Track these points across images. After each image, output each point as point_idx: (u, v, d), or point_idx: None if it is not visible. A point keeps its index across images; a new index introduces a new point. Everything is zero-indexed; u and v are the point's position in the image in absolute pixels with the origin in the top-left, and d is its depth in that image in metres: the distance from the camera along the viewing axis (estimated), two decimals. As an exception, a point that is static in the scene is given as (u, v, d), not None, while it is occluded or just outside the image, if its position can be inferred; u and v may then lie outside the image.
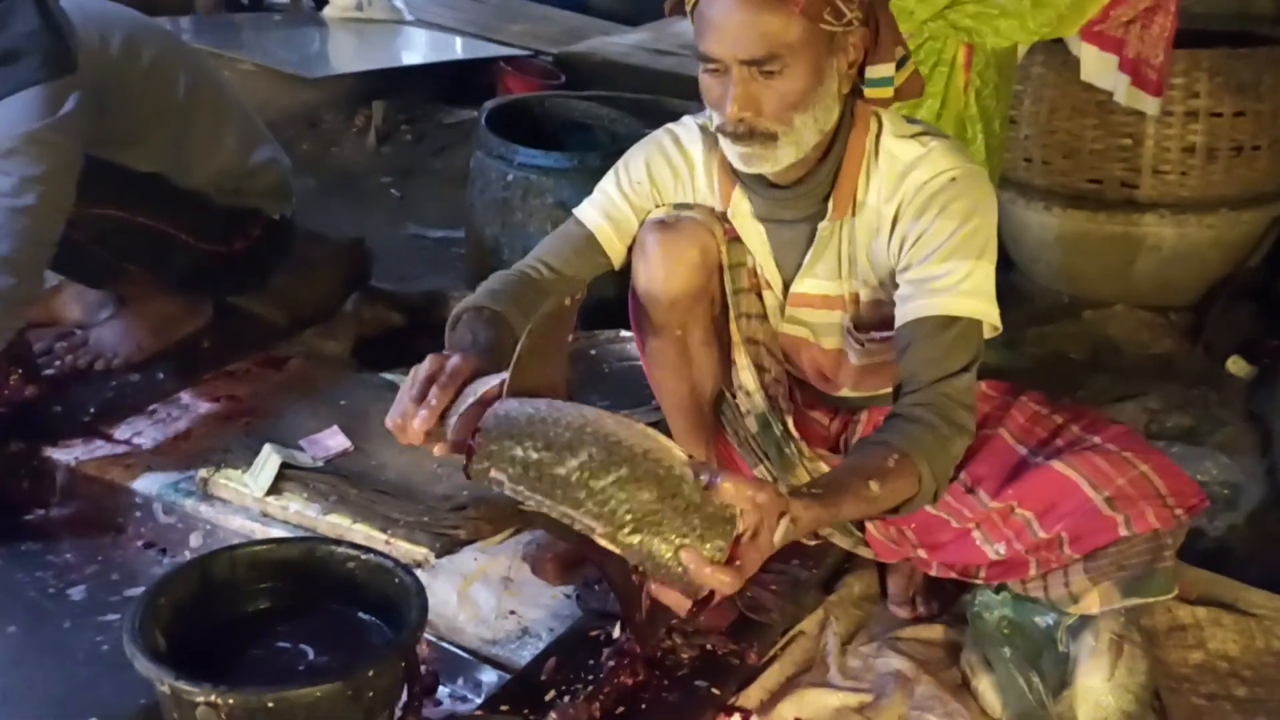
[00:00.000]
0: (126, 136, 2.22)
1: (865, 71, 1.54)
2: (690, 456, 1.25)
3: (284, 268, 2.54)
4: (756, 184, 1.61)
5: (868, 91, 1.54)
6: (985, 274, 1.52)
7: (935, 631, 1.82)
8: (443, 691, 1.73)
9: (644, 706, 1.63)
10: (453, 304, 2.70)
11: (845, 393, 1.80)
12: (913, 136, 1.57)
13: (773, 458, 1.77)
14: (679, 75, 3.89)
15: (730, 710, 1.64)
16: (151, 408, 2.32)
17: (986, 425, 1.71)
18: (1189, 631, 1.84)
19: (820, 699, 1.66)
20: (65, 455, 2.17)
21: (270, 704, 1.36)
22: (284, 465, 2.05)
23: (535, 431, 1.26)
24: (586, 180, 2.71)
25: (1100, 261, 3.08)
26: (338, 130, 4.22)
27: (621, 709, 1.63)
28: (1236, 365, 2.83)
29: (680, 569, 1.22)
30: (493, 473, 1.28)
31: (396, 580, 1.53)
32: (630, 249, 1.69)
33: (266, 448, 2.07)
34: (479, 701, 1.68)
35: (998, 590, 1.71)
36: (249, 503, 2.04)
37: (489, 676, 1.73)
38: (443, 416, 1.36)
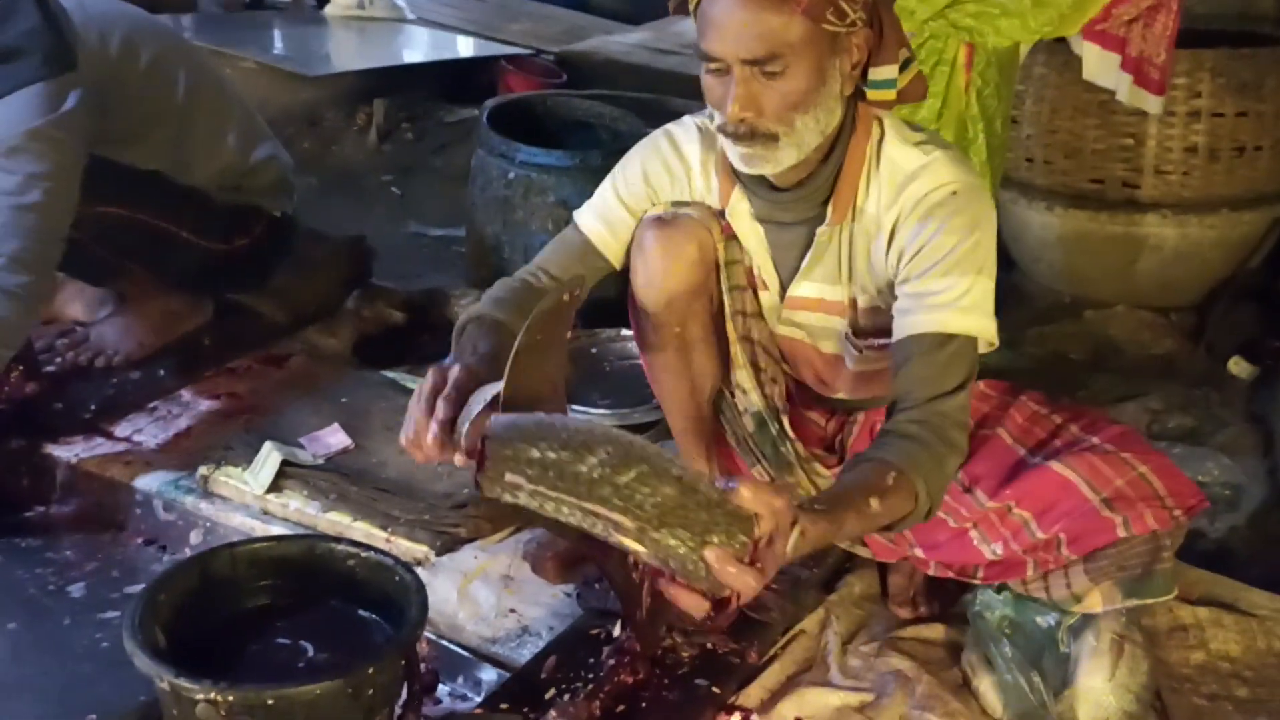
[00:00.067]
0: (127, 135, 2.22)
1: (868, 73, 1.53)
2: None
3: (285, 265, 2.54)
4: (756, 185, 1.61)
5: (870, 93, 1.54)
6: (984, 290, 1.51)
7: (936, 631, 1.82)
8: (442, 690, 1.73)
9: (644, 705, 1.63)
10: (453, 302, 2.74)
11: (842, 396, 1.80)
12: (915, 145, 1.56)
13: (769, 456, 1.77)
14: (681, 74, 3.89)
15: (730, 709, 1.64)
16: (152, 405, 2.32)
17: (985, 425, 1.71)
18: (1190, 632, 1.83)
19: (821, 698, 1.66)
20: (66, 452, 2.17)
21: (270, 701, 1.35)
22: (284, 463, 2.05)
23: (546, 434, 1.24)
24: (588, 178, 2.73)
25: (1102, 261, 3.08)
26: (338, 128, 4.22)
27: (622, 707, 1.62)
28: (1238, 366, 2.83)
29: (704, 568, 1.21)
30: (508, 476, 1.25)
31: (397, 578, 1.52)
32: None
33: (267, 445, 2.07)
34: (479, 700, 1.68)
35: (999, 590, 1.71)
36: (249, 500, 2.04)
37: (489, 675, 1.73)
38: (452, 427, 1.37)
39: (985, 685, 1.69)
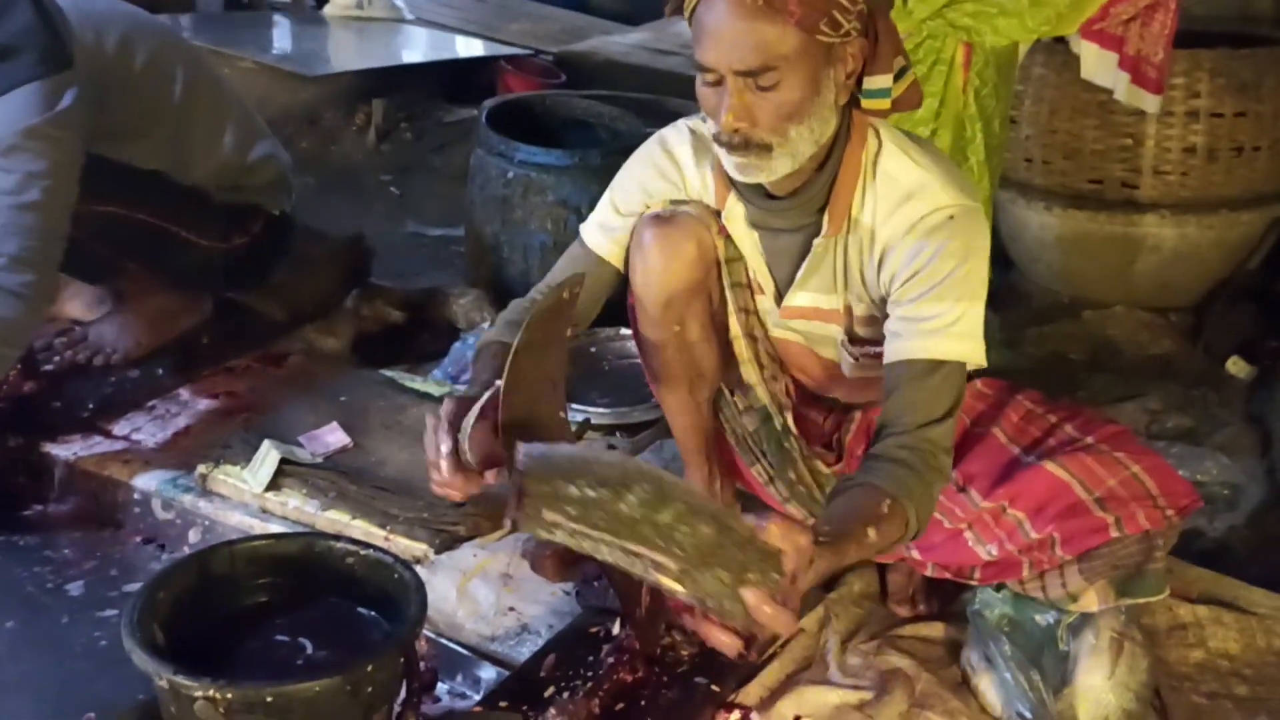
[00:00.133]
0: (125, 133, 2.22)
1: (863, 81, 1.52)
2: None
3: (284, 264, 2.54)
4: (752, 192, 1.60)
5: (865, 102, 1.53)
6: (976, 315, 1.53)
7: (935, 629, 1.81)
8: (441, 688, 1.72)
9: (643, 703, 1.63)
10: (452, 301, 2.75)
11: (838, 397, 1.80)
12: (914, 160, 1.55)
13: (771, 453, 1.77)
14: (680, 75, 3.89)
15: (730, 707, 1.64)
16: (150, 404, 2.32)
17: (980, 423, 1.71)
18: (1190, 630, 1.83)
19: (820, 696, 1.65)
20: (64, 451, 2.17)
21: (269, 698, 1.35)
22: (283, 461, 2.05)
23: (580, 469, 1.23)
24: (587, 178, 2.75)
25: (1100, 262, 3.08)
26: (337, 128, 4.22)
27: (621, 706, 1.62)
28: (1236, 366, 2.83)
29: (741, 607, 1.22)
30: (547, 514, 1.23)
31: (396, 575, 1.52)
32: None
33: (266, 444, 2.07)
34: (478, 698, 1.68)
35: (998, 588, 1.71)
36: (248, 499, 2.04)
37: (488, 673, 1.73)
38: (458, 454, 1.42)
39: (985, 683, 1.69)
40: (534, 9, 5.19)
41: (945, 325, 1.50)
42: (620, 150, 2.30)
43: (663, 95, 3.44)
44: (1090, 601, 1.64)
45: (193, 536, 2.05)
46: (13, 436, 2.19)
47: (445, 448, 1.42)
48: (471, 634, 1.79)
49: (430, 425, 1.45)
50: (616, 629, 1.69)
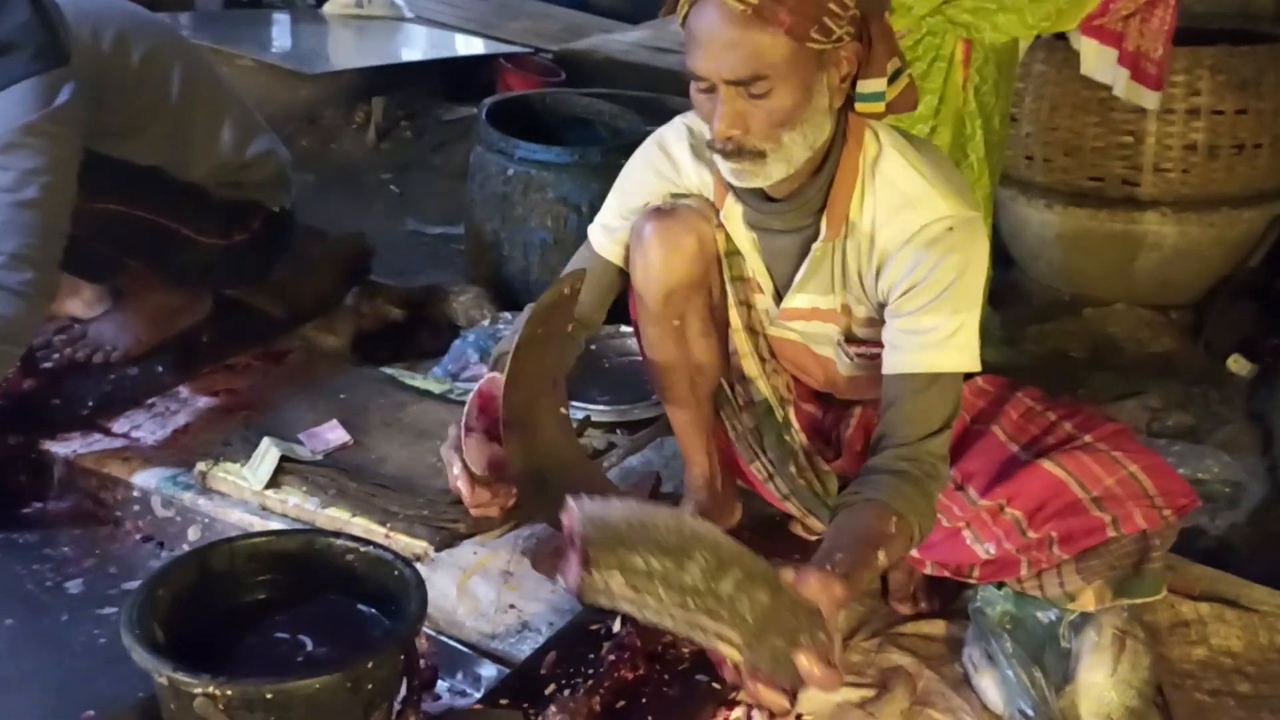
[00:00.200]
0: (123, 130, 2.21)
1: (857, 85, 1.51)
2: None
3: (284, 261, 2.53)
4: (749, 195, 1.60)
5: (859, 106, 1.53)
6: (973, 325, 1.55)
7: (937, 627, 1.81)
8: (442, 686, 1.72)
9: (644, 700, 1.63)
10: (452, 299, 2.74)
11: (835, 394, 1.80)
12: (915, 166, 1.55)
13: (772, 447, 1.77)
14: (679, 73, 3.82)
15: (731, 704, 1.63)
16: (150, 401, 2.32)
17: (980, 420, 1.71)
18: (1192, 627, 1.83)
19: (822, 694, 1.65)
20: (63, 448, 2.16)
21: (269, 695, 1.35)
22: (283, 459, 2.04)
23: (639, 536, 1.23)
24: (587, 175, 2.74)
25: (1101, 259, 3.08)
26: (337, 126, 4.22)
27: (622, 703, 1.62)
28: (1237, 364, 2.83)
29: (793, 668, 1.25)
30: (613, 586, 1.23)
31: (396, 572, 1.52)
32: None
33: (265, 441, 2.07)
34: (478, 696, 1.67)
35: (999, 585, 1.71)
36: (248, 496, 2.03)
37: (488, 671, 1.72)
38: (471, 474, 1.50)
39: (986, 681, 1.68)
40: (534, 7, 5.18)
41: (943, 338, 1.52)
42: (620, 148, 2.30)
43: (663, 93, 3.44)
44: (1088, 601, 1.65)
45: (192, 534, 2.05)
46: (12, 434, 2.18)
47: (456, 470, 1.49)
48: (472, 631, 1.78)
49: (442, 453, 1.53)
50: (617, 626, 1.68)
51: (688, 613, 1.23)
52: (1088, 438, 1.66)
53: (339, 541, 1.58)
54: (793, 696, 1.32)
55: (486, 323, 2.61)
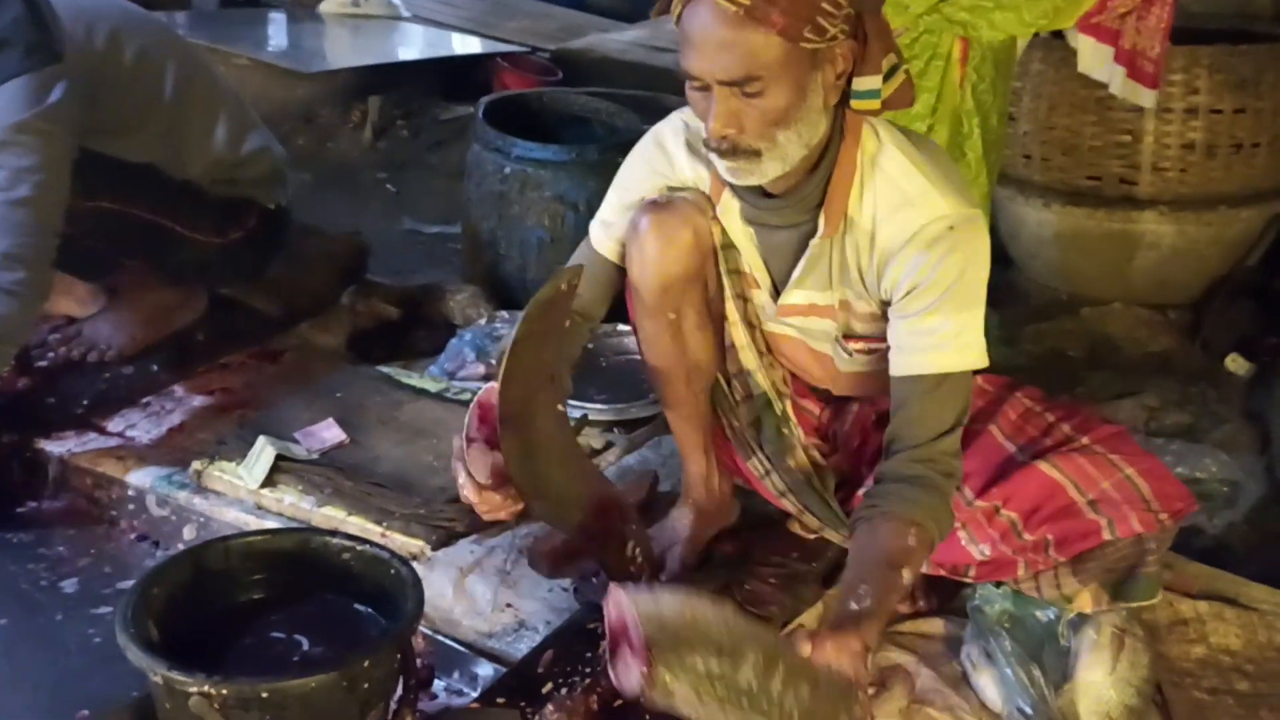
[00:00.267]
0: (117, 128, 2.20)
1: (852, 82, 1.51)
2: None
3: (280, 258, 2.53)
4: (746, 191, 1.60)
5: (854, 103, 1.52)
6: (978, 323, 1.55)
7: (935, 625, 1.81)
8: (438, 685, 1.71)
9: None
10: (448, 298, 2.74)
11: (832, 390, 1.80)
12: (915, 163, 1.54)
13: (770, 440, 1.76)
14: (676, 72, 3.86)
15: (728, 703, 1.63)
16: (145, 400, 2.31)
17: (978, 420, 1.71)
18: (1190, 626, 1.83)
19: (819, 692, 1.64)
20: (58, 447, 2.16)
21: (264, 694, 1.34)
22: (279, 457, 2.04)
23: (695, 635, 1.25)
24: (584, 173, 2.74)
25: (1099, 259, 3.07)
26: (333, 125, 4.21)
27: (619, 702, 1.61)
28: (1235, 363, 2.83)
29: None
30: (678, 690, 1.24)
31: (392, 571, 1.51)
32: None
33: (261, 440, 2.06)
34: (475, 695, 1.66)
35: (998, 584, 1.71)
36: (243, 495, 2.03)
37: (485, 670, 1.72)
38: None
39: (985, 679, 1.68)
40: (531, 6, 5.18)
41: (949, 338, 1.52)
42: (618, 146, 2.29)
43: (660, 92, 3.43)
44: (1085, 603, 1.66)
45: (187, 533, 2.04)
46: (7, 433, 2.17)
47: (461, 480, 1.50)
48: (469, 630, 1.78)
49: (453, 454, 1.53)
50: (614, 624, 1.68)
51: (743, 712, 1.25)
52: (1085, 440, 1.66)
53: (335, 540, 1.58)
54: None
55: (483, 321, 2.60)
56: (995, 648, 1.67)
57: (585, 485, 1.58)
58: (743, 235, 1.65)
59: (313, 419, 2.18)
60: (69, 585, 1.95)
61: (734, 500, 1.90)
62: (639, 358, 1.82)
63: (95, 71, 2.12)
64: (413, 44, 4.59)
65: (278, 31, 4.43)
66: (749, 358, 1.73)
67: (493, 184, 2.80)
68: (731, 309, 1.71)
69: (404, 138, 4.23)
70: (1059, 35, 2.66)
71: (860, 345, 1.66)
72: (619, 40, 4.53)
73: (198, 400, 2.32)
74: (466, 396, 2.27)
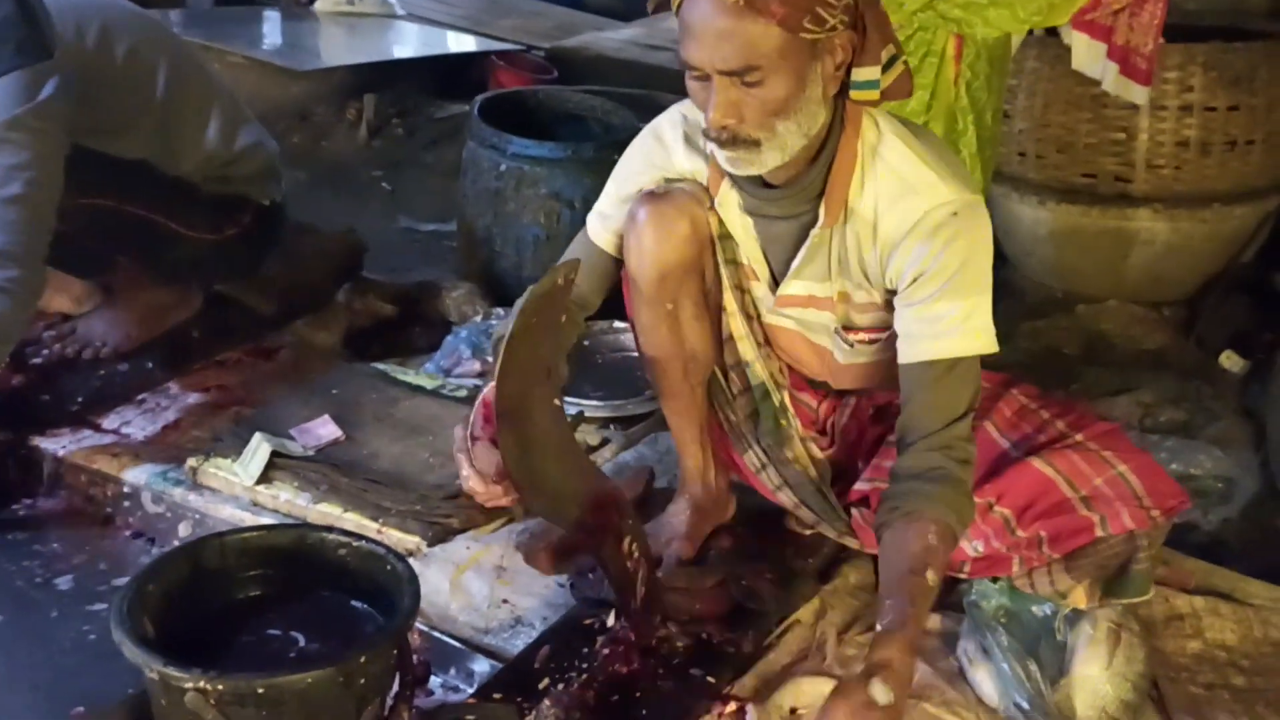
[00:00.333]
0: (110, 125, 2.20)
1: (851, 73, 1.51)
2: None
3: (275, 255, 2.52)
4: (746, 181, 1.60)
5: (853, 94, 1.53)
6: (985, 307, 1.56)
7: (932, 621, 1.80)
8: (434, 682, 1.71)
9: (639, 695, 1.62)
10: (444, 295, 2.73)
11: (830, 384, 1.80)
12: (915, 152, 1.55)
13: (768, 433, 1.76)
14: (671, 70, 3.84)
15: (726, 699, 1.63)
16: (140, 397, 2.31)
17: (974, 416, 1.71)
18: (1187, 621, 1.83)
19: (816, 688, 1.64)
20: (53, 445, 2.15)
21: (260, 690, 1.34)
22: (274, 454, 2.03)
23: None
24: (580, 171, 2.74)
25: (1093, 256, 3.08)
26: (328, 123, 4.21)
27: (616, 697, 1.61)
28: (1229, 359, 2.83)
29: None
30: None
31: (388, 567, 1.51)
32: None
33: (257, 436, 2.06)
34: (471, 691, 1.66)
35: (994, 580, 1.71)
36: (239, 492, 2.02)
37: (481, 666, 1.71)
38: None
39: (982, 674, 1.68)
40: (526, 4, 5.18)
41: (957, 323, 1.53)
42: (613, 144, 2.29)
43: (655, 90, 3.43)
44: (1079, 599, 1.66)
45: (183, 530, 2.03)
46: (2, 431, 2.17)
47: (465, 472, 1.51)
48: (465, 627, 1.77)
49: (455, 454, 1.54)
50: (611, 621, 1.68)
51: None
52: (1079, 436, 1.67)
53: (331, 536, 1.57)
54: None
55: (479, 319, 2.61)
56: (992, 643, 1.67)
57: (582, 481, 1.58)
58: (741, 227, 1.65)
59: (308, 416, 2.18)
60: (64, 582, 1.95)
61: (730, 496, 1.90)
62: (635, 354, 1.82)
63: (87, 68, 2.12)
64: (408, 42, 4.59)
65: (272, 29, 4.43)
66: (747, 348, 1.73)
67: (488, 181, 2.80)
68: (729, 299, 1.71)
69: (399, 136, 4.22)
70: (1053, 32, 2.67)
71: (861, 336, 1.66)
72: (614, 38, 4.54)
73: (193, 397, 2.31)
74: (462, 393, 2.27)
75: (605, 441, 2.21)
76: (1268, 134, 2.99)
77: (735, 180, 1.61)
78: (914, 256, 1.53)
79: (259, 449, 2.03)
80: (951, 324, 1.52)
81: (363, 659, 1.39)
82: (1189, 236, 3.02)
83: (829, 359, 1.72)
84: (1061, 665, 1.65)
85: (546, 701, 1.56)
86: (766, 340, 1.76)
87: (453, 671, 1.73)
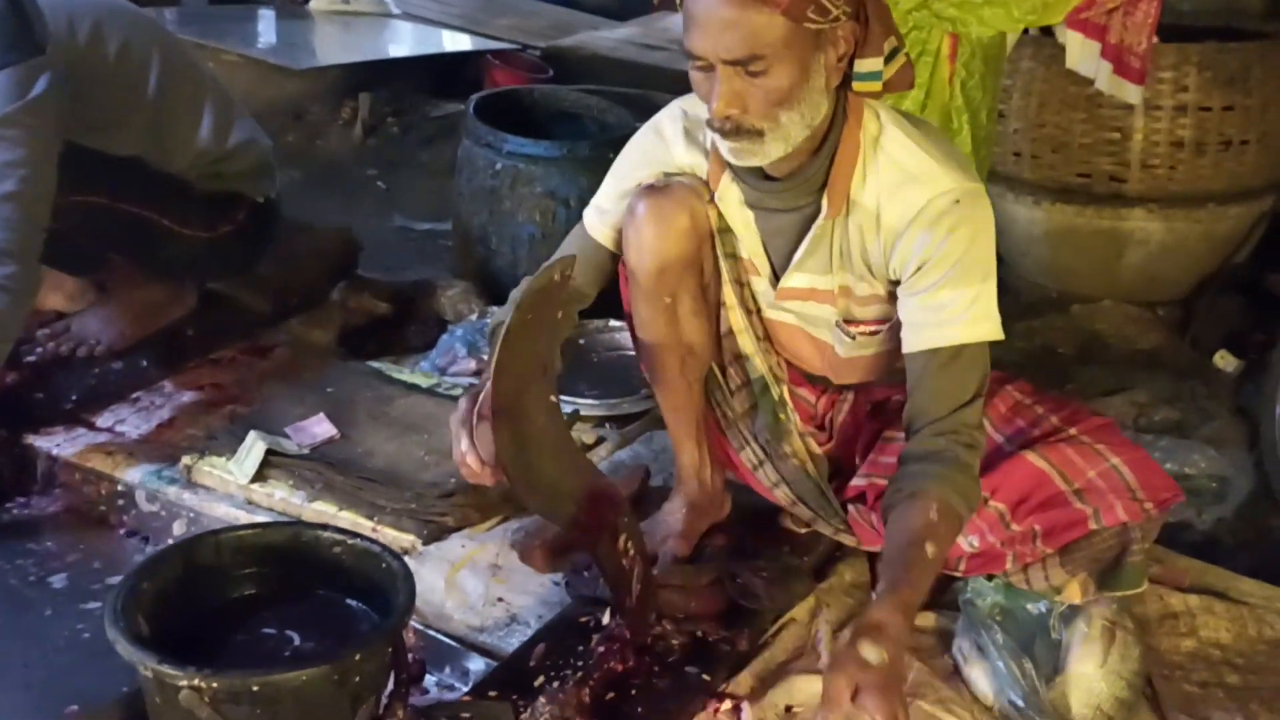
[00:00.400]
0: (102, 122, 2.19)
1: (854, 64, 1.52)
2: None
3: (270, 252, 2.52)
4: (748, 174, 1.61)
5: (856, 85, 1.53)
6: (990, 294, 1.56)
7: (927, 619, 1.80)
8: (430, 680, 1.71)
9: (634, 693, 1.62)
10: (439, 294, 2.73)
11: (830, 378, 1.80)
12: (916, 142, 1.56)
13: (767, 426, 1.76)
14: (667, 70, 3.88)
15: (721, 697, 1.63)
16: (135, 395, 2.30)
17: None
18: (1181, 619, 1.84)
19: (811, 686, 1.64)
20: (47, 443, 2.14)
21: (255, 687, 1.33)
22: (269, 452, 2.03)
23: None
24: (575, 169, 2.74)
25: (1088, 256, 3.08)
26: (324, 122, 4.20)
27: (611, 695, 1.61)
28: (1224, 359, 2.84)
29: None
30: None
31: (383, 565, 1.50)
32: None
33: (251, 435, 2.05)
34: (466, 689, 1.66)
35: (989, 576, 1.71)
36: (234, 490, 2.02)
37: (476, 664, 1.71)
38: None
39: (977, 672, 1.68)
40: (521, 4, 5.18)
41: (962, 310, 1.53)
42: (609, 142, 2.29)
43: (650, 90, 3.43)
44: (1074, 594, 1.67)
45: (177, 529, 2.03)
46: (-5, 429, 2.17)
47: (464, 445, 1.48)
48: (460, 625, 1.77)
49: (451, 424, 1.50)
50: (606, 618, 1.68)
51: None
52: (1072, 430, 1.67)
53: (326, 535, 1.57)
54: None
55: (474, 317, 2.60)
56: (987, 641, 1.67)
57: (578, 478, 1.58)
58: (742, 221, 1.66)
59: (303, 414, 2.18)
60: (58, 581, 1.94)
61: (726, 494, 1.90)
62: (631, 353, 1.82)
63: (78, 65, 2.11)
64: (403, 41, 4.59)
65: (267, 28, 4.42)
66: (746, 341, 1.74)
67: (484, 180, 2.80)
68: (729, 293, 1.71)
69: (394, 134, 4.22)
70: (1048, 32, 2.67)
71: (862, 328, 1.66)
72: (609, 38, 4.54)
73: (187, 396, 2.31)
74: (457, 392, 2.27)
75: (600, 440, 2.21)
76: (1262, 134, 3.00)
77: (736, 173, 1.61)
78: (917, 245, 1.53)
79: (254, 447, 2.03)
80: (956, 311, 1.53)
81: (358, 657, 1.39)
82: (1183, 236, 3.02)
83: (829, 353, 1.72)
84: (1056, 663, 1.65)
85: (542, 699, 1.56)
86: (766, 335, 1.76)
87: (448, 670, 1.73)
